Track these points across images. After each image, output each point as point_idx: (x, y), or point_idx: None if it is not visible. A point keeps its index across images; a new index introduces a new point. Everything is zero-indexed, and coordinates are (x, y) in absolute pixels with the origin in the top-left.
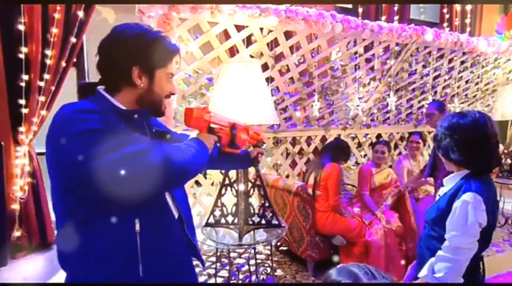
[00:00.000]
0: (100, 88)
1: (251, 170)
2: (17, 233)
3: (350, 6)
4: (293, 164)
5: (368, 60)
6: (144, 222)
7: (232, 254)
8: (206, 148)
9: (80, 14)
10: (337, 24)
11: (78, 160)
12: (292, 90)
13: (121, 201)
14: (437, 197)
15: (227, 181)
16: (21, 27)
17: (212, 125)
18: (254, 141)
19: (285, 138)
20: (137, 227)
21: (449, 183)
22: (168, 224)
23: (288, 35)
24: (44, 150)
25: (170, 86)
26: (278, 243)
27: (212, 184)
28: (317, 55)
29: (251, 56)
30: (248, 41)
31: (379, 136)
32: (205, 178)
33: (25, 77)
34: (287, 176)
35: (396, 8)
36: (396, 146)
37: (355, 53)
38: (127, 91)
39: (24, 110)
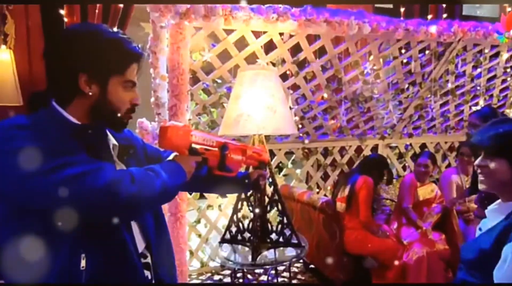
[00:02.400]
0: (53, 100)
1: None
2: None
3: (390, 6)
4: (326, 176)
5: (405, 63)
6: (91, 257)
7: (250, 275)
8: (182, 172)
9: (114, 29)
10: (364, 24)
11: (4, 183)
12: (319, 98)
13: (58, 232)
14: (478, 231)
15: (242, 195)
16: None
17: (194, 146)
18: (254, 162)
19: (315, 148)
20: (83, 263)
21: (494, 215)
22: (123, 258)
23: (311, 39)
24: None
25: (129, 95)
26: (308, 261)
27: (222, 195)
28: (345, 59)
29: (272, 63)
30: (270, 47)
31: (423, 146)
32: None
33: None
34: (319, 189)
35: (444, 6)
36: (444, 157)
37: (391, 55)
38: (78, 101)
39: None
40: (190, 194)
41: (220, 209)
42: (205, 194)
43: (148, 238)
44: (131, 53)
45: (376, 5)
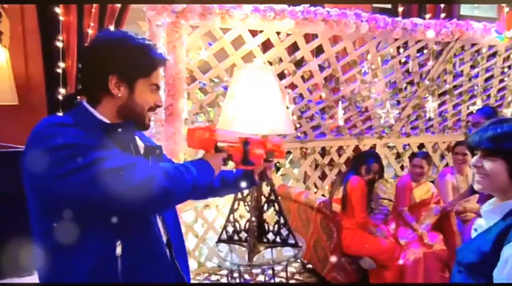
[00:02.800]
0: (84, 100)
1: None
2: None
3: (389, 6)
4: (323, 176)
5: (403, 63)
6: (127, 245)
7: (247, 275)
8: (210, 169)
9: (112, 28)
10: (362, 23)
11: (51, 177)
12: (317, 97)
13: (98, 222)
14: (473, 232)
15: (239, 195)
16: (60, 44)
17: (219, 144)
18: (276, 155)
19: (313, 148)
20: (118, 250)
21: (490, 216)
22: (155, 248)
23: (309, 38)
24: None
25: (154, 98)
26: (305, 261)
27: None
28: (343, 58)
29: (270, 63)
30: (268, 47)
31: (421, 146)
32: None
33: (62, 90)
34: (317, 188)
35: (442, 6)
36: (442, 157)
37: (389, 55)
38: (107, 102)
39: None
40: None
41: (217, 209)
42: None
43: (168, 233)
44: (157, 58)
45: (374, 5)
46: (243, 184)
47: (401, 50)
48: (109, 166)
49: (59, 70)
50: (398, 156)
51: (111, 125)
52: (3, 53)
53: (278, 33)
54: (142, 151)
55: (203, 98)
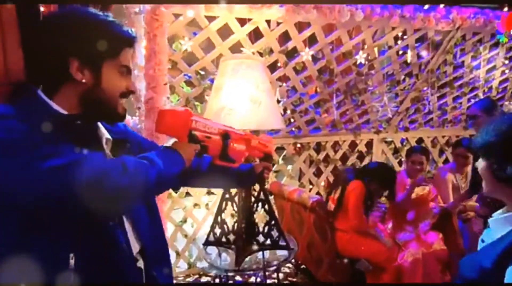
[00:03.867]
0: (39, 88)
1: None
2: None
3: None
4: (318, 173)
5: (402, 53)
6: (81, 257)
7: (238, 277)
8: (180, 159)
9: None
10: (357, 11)
11: None
12: (311, 90)
13: (44, 229)
14: (480, 243)
15: (227, 195)
16: None
17: (194, 133)
18: (259, 153)
19: (307, 143)
20: (71, 263)
21: (499, 226)
22: (117, 259)
23: (302, 27)
24: None
25: (125, 82)
26: (299, 262)
27: (209, 192)
28: (338, 49)
29: (260, 53)
30: (257, 36)
31: (419, 140)
32: None
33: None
34: (312, 185)
35: None
36: (441, 152)
37: (387, 45)
38: (67, 89)
39: None
40: (176, 192)
41: (207, 207)
42: (191, 192)
43: (143, 241)
44: (124, 36)
45: None
46: (235, 178)
47: (399, 41)
48: (49, 165)
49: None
50: (396, 151)
51: (68, 117)
52: None
53: (268, 22)
54: (109, 145)
55: (189, 91)
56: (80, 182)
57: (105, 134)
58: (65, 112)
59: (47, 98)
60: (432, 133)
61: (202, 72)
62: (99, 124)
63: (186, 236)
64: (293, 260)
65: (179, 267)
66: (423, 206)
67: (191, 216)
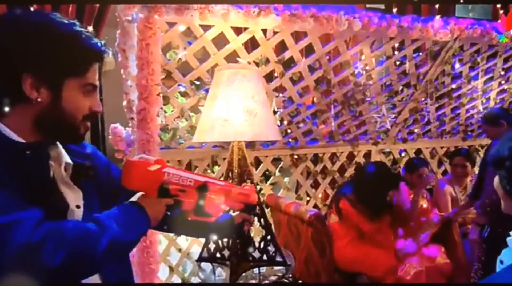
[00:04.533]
0: None
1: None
2: None
3: (382, 6)
4: (316, 185)
5: (399, 64)
6: None
7: None
8: (144, 222)
9: (90, 29)
10: (354, 20)
11: None
12: (308, 100)
13: None
14: (498, 264)
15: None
16: None
17: (166, 186)
18: (240, 204)
19: (304, 155)
20: None
21: None
22: None
23: (299, 36)
24: None
25: (89, 102)
26: (297, 277)
27: None
28: (335, 59)
29: (256, 63)
30: (254, 46)
31: (418, 151)
32: None
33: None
34: (309, 198)
35: (437, 6)
36: (440, 163)
37: (385, 55)
38: (19, 111)
39: None
40: None
41: None
42: None
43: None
44: (92, 50)
45: (368, 6)
46: (210, 230)
47: (396, 52)
48: None
49: None
50: (395, 162)
51: (19, 144)
52: None
53: (264, 31)
54: (69, 170)
55: (184, 102)
56: (4, 253)
57: (65, 158)
58: (18, 138)
59: None
60: (430, 144)
61: (197, 82)
62: (59, 145)
63: (180, 250)
64: (290, 276)
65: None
66: (423, 216)
67: None
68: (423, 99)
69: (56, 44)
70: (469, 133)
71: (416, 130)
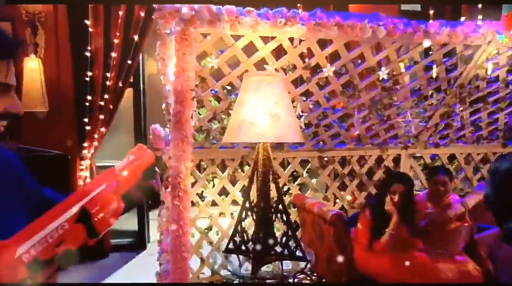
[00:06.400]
0: None
1: (274, 193)
2: None
3: (418, 8)
4: (344, 187)
5: (428, 68)
6: None
7: None
8: None
9: (136, 38)
10: (379, 28)
11: None
12: (335, 104)
13: None
14: None
15: (247, 204)
16: (88, 54)
17: (25, 256)
18: (138, 175)
19: (332, 157)
20: None
21: None
22: None
23: (324, 43)
24: (103, 164)
25: (3, 102)
26: (320, 275)
27: (234, 202)
28: (361, 64)
29: (283, 69)
30: (282, 53)
31: (452, 156)
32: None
33: (89, 97)
34: (337, 198)
35: (480, 6)
36: (476, 170)
37: (412, 60)
38: None
39: (87, 127)
40: (202, 201)
41: (232, 217)
42: (217, 202)
43: None
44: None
45: (403, 8)
46: None
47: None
48: None
49: (87, 78)
50: (426, 167)
51: None
52: (36, 63)
53: (291, 39)
54: None
55: (217, 105)
56: None
57: None
58: None
59: None
60: (465, 149)
61: (229, 87)
62: None
63: (211, 243)
64: (314, 273)
65: (203, 274)
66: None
67: (216, 224)
68: (455, 103)
69: None
70: (509, 138)
71: (449, 135)
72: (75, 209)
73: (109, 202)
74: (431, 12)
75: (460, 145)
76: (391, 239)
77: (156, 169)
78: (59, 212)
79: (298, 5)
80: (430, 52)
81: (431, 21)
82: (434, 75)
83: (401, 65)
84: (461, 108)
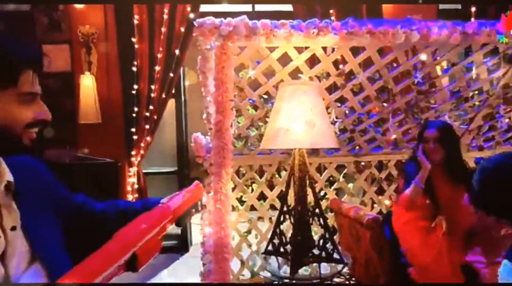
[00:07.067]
0: None
1: (310, 197)
2: None
3: (458, 6)
4: (381, 191)
5: (468, 69)
6: None
7: None
8: None
9: (177, 52)
10: (412, 32)
11: None
12: (370, 110)
13: None
14: None
15: (285, 208)
16: (134, 69)
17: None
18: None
19: (369, 162)
20: None
21: None
22: None
23: (357, 49)
24: (148, 170)
25: (30, 112)
26: (358, 279)
27: (272, 207)
28: (395, 69)
29: (317, 77)
30: (315, 61)
31: None
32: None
33: (135, 109)
34: (374, 203)
35: None
36: None
37: (449, 62)
38: None
39: (135, 136)
40: (242, 205)
41: (270, 221)
42: (256, 206)
43: None
44: (20, 56)
45: (441, 7)
46: None
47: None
48: None
49: (134, 91)
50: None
51: None
52: (90, 80)
53: (324, 47)
54: (12, 187)
55: (254, 113)
56: None
57: (6, 176)
58: None
59: None
60: None
61: (265, 96)
62: (1, 163)
63: (250, 246)
64: (352, 277)
65: (243, 276)
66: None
67: (256, 228)
68: (499, 105)
69: None
70: None
71: (495, 137)
72: (129, 255)
73: (157, 246)
74: (473, 10)
75: (507, 147)
76: (414, 191)
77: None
78: (114, 258)
79: (331, 11)
80: (470, 53)
81: (472, 20)
82: (475, 76)
83: (438, 67)
84: (508, 109)
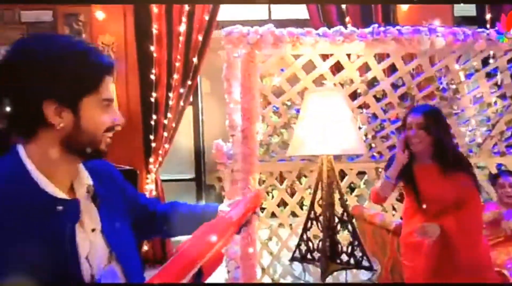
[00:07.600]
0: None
1: (337, 203)
2: (145, 247)
3: (473, 13)
4: (402, 198)
5: (491, 75)
6: None
7: None
8: None
9: (195, 60)
10: (437, 39)
11: None
12: (392, 116)
13: None
14: None
15: (312, 215)
16: (153, 77)
17: None
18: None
19: None
20: None
21: None
22: None
23: (382, 56)
24: (166, 178)
25: (109, 117)
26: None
27: (293, 214)
28: (419, 75)
29: (341, 84)
30: (339, 68)
31: None
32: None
33: (154, 116)
34: (395, 211)
35: None
36: None
37: (473, 69)
38: (44, 137)
39: (153, 144)
40: (262, 212)
41: (291, 228)
42: (276, 213)
43: None
44: (103, 64)
45: (456, 15)
46: None
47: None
48: None
49: (152, 99)
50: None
51: (48, 199)
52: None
53: (348, 55)
54: (91, 192)
55: (277, 121)
56: None
57: (88, 180)
58: (51, 191)
59: (23, 154)
60: None
61: (289, 103)
62: (81, 167)
63: (271, 253)
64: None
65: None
66: None
67: (276, 235)
68: None
69: (70, 64)
70: None
71: None
72: (196, 268)
73: (220, 258)
74: (488, 17)
75: None
76: (383, 186)
77: None
78: (183, 273)
79: (347, 19)
80: (490, 60)
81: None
82: (499, 82)
83: (461, 73)
84: None
